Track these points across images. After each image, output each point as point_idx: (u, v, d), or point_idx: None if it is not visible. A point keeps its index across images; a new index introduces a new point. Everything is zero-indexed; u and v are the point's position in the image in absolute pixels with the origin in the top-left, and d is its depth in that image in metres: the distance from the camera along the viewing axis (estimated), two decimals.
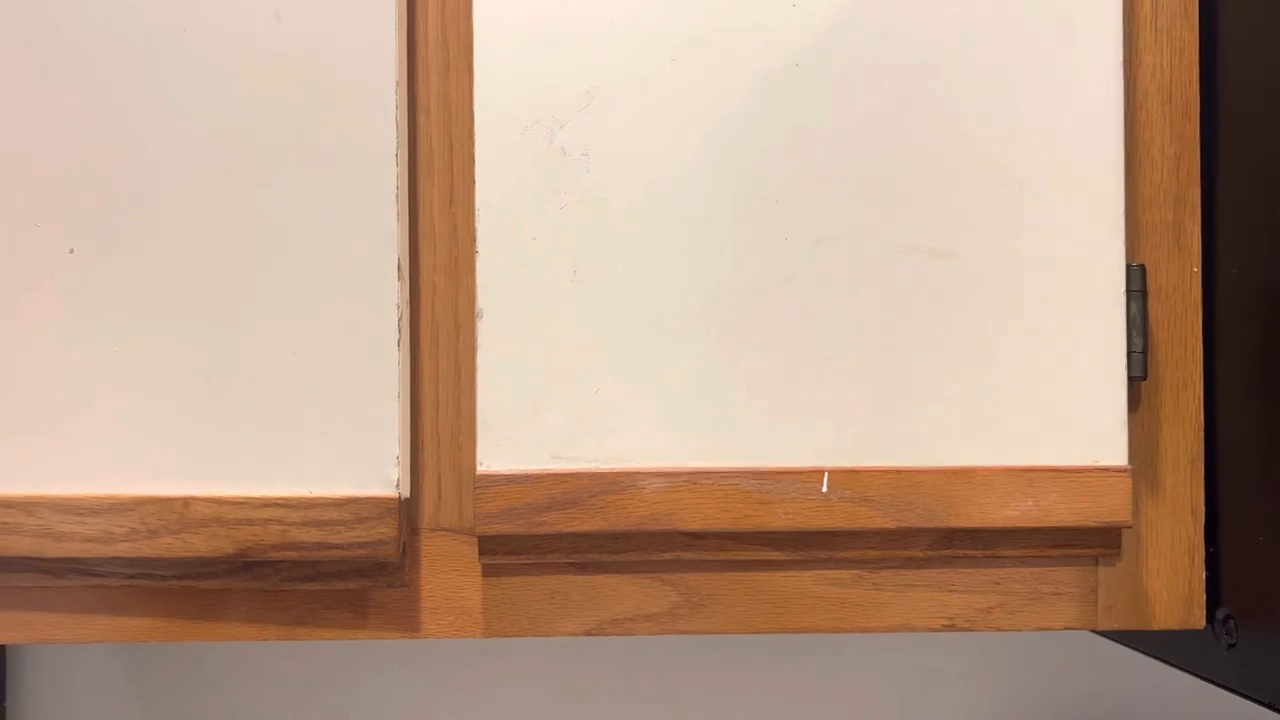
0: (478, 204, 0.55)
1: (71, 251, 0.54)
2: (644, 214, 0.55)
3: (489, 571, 0.56)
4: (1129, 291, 0.55)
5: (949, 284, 0.55)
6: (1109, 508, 0.54)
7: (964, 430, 0.55)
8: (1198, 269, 0.56)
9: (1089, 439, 0.55)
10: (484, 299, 0.54)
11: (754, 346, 0.55)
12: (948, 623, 0.56)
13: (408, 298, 0.55)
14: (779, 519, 0.54)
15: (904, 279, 0.55)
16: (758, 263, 0.55)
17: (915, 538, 0.56)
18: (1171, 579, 0.56)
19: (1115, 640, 0.65)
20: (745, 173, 0.55)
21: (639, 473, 0.54)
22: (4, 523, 0.53)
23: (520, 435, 0.54)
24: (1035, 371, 0.55)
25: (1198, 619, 0.56)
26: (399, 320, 0.54)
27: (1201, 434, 0.56)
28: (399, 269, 0.54)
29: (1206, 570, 0.56)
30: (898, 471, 0.54)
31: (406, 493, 0.55)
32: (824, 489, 0.54)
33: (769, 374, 0.55)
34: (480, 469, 0.54)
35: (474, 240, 0.55)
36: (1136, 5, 0.56)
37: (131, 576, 0.55)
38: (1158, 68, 0.56)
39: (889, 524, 0.54)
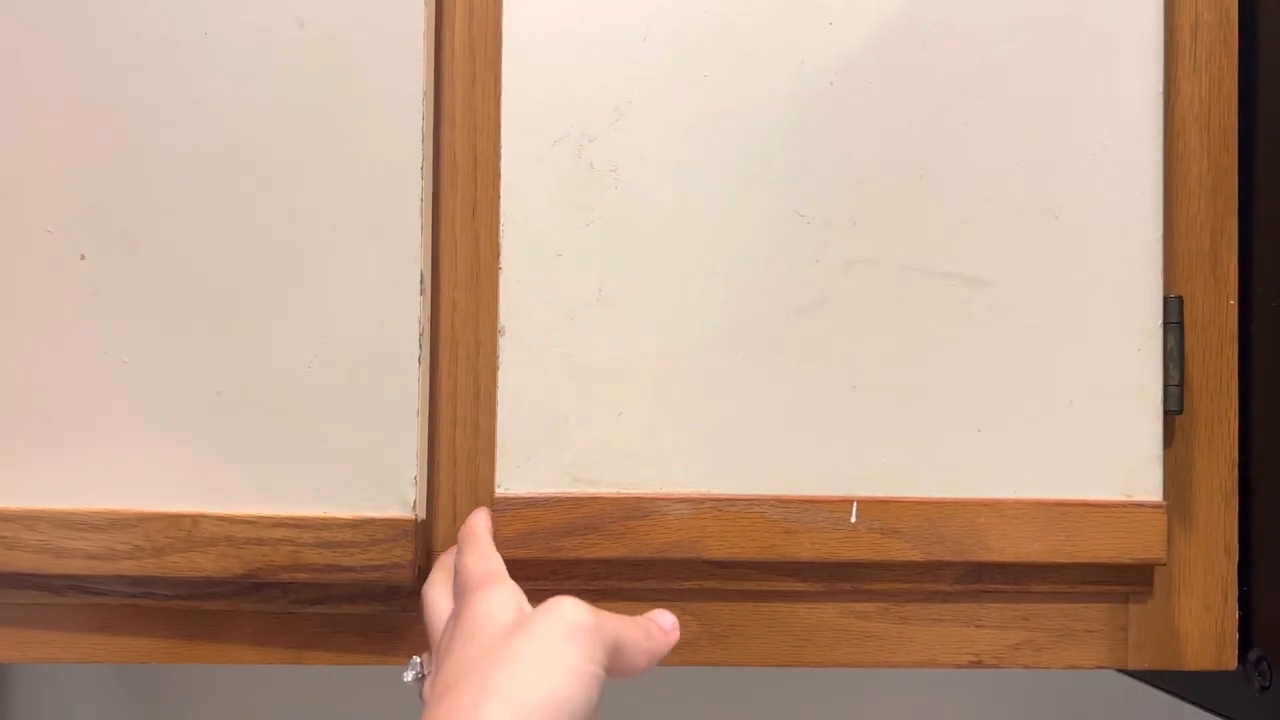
0: (502, 218, 0.53)
1: (83, 258, 0.52)
2: (673, 233, 0.53)
3: None
4: (1166, 323, 0.54)
5: (982, 312, 0.53)
6: (1143, 544, 0.53)
7: (996, 462, 0.53)
8: (1234, 301, 0.55)
9: (1123, 473, 0.53)
10: (506, 316, 0.53)
11: (783, 371, 0.53)
12: (974, 659, 0.55)
13: (429, 313, 0.54)
14: (805, 549, 0.53)
15: (937, 306, 0.53)
16: (788, 285, 0.53)
17: (943, 571, 0.54)
18: (1204, 618, 0.55)
19: (1142, 680, 0.63)
20: (777, 193, 0.53)
21: (662, 498, 0.52)
22: (2, 537, 0.51)
23: (540, 457, 0.53)
24: (1069, 403, 0.53)
25: (1230, 660, 0.55)
26: (420, 336, 0.52)
27: (1236, 470, 0.55)
28: (421, 283, 0.52)
29: (1239, 610, 0.55)
30: (928, 503, 0.53)
31: (423, 514, 0.53)
32: (853, 519, 0.52)
33: (797, 399, 0.53)
34: (499, 491, 0.53)
35: (497, 255, 0.53)
36: (1175, 33, 0.55)
37: (134, 595, 0.53)
38: (1196, 97, 0.55)
39: (917, 556, 0.53)
